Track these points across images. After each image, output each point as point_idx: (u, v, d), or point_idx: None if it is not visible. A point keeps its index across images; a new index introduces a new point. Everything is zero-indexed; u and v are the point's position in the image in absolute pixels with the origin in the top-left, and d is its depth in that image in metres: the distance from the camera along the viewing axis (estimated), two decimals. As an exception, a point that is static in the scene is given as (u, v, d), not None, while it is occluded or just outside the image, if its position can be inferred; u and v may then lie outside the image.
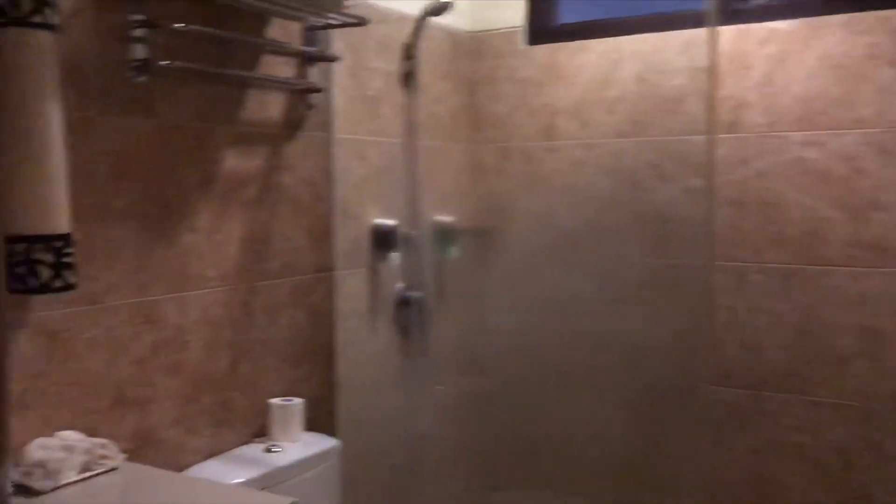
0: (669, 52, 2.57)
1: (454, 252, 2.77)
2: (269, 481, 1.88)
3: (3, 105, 1.45)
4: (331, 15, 2.12)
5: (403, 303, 2.57)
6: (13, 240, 1.47)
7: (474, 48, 2.91)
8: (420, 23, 2.52)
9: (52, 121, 1.49)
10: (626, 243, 2.68)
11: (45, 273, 1.48)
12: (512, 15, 2.84)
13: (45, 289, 1.49)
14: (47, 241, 1.48)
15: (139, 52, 1.72)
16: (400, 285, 2.56)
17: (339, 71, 2.28)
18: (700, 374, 2.51)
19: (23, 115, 1.46)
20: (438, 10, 2.52)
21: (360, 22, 2.16)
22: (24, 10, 1.43)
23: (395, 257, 2.49)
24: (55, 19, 1.48)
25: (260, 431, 2.07)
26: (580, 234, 2.74)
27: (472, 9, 2.85)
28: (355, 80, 2.36)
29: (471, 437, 2.92)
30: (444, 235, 2.75)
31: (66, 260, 1.51)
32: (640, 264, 2.66)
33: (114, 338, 1.72)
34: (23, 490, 1.45)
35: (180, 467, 1.86)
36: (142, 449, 1.78)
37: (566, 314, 2.76)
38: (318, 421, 2.21)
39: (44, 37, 1.46)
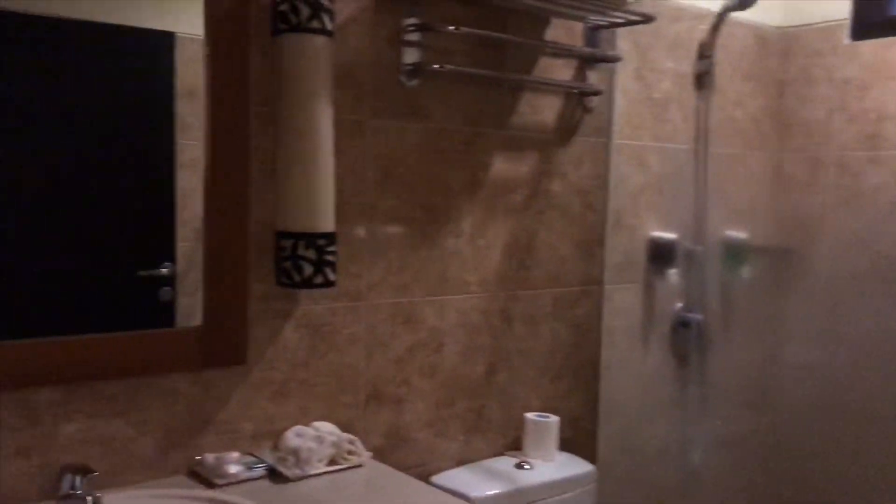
0: None
1: (745, 272, 2.49)
2: (516, 499, 1.81)
3: (279, 107, 1.54)
4: (616, 13, 1.99)
5: (681, 324, 2.36)
6: (282, 235, 1.56)
7: (784, 45, 2.59)
8: (720, 18, 2.29)
9: (324, 123, 1.55)
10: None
11: (308, 269, 1.55)
12: (833, 7, 2.48)
13: (306, 284, 1.55)
14: (311, 238, 1.55)
15: (412, 55, 1.74)
16: (678, 305, 2.35)
17: (623, 72, 2.14)
18: None
19: (297, 117, 1.53)
20: (743, 5, 2.28)
21: (648, 19, 2.00)
22: (303, 16, 1.50)
23: (673, 274, 2.29)
24: (331, 25, 1.53)
25: (513, 445, 2.01)
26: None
27: (783, 2, 2.53)
28: (640, 81, 2.21)
29: (750, 481, 2.61)
30: (735, 253, 2.48)
31: (327, 258, 1.56)
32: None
33: (373, 335, 1.76)
34: (275, 475, 1.52)
35: (429, 471, 1.86)
36: (392, 447, 1.80)
37: (886, 355, 2.36)
38: (576, 442, 2.09)
39: (320, 42, 1.52)
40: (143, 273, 1.50)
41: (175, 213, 1.52)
